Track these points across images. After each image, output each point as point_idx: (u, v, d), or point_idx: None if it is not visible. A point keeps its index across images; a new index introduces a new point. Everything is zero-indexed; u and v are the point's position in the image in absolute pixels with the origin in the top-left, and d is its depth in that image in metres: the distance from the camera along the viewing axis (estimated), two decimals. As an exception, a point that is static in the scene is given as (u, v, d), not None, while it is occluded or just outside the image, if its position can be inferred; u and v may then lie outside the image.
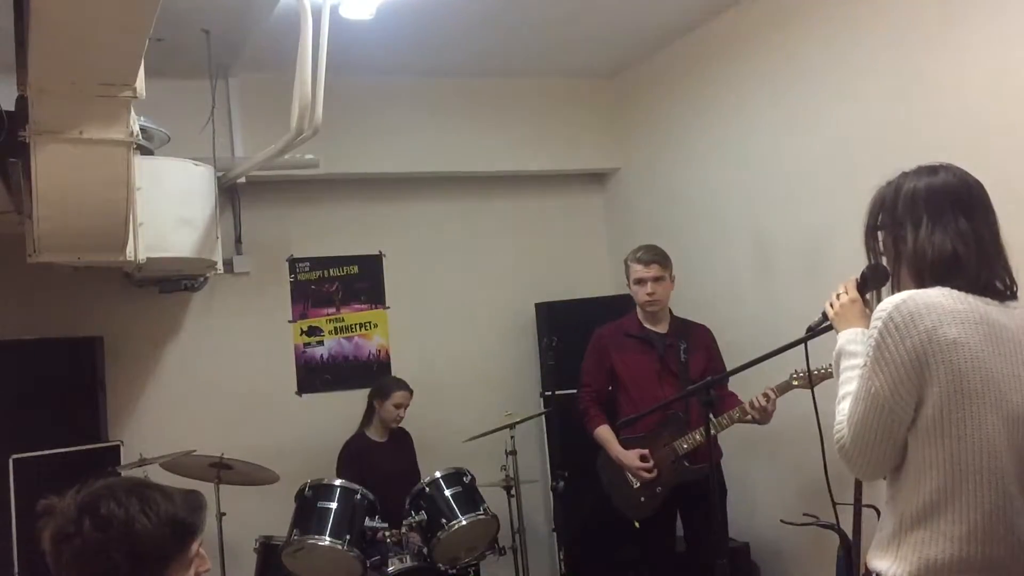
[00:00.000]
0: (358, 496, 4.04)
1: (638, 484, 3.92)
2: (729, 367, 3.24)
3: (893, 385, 1.78)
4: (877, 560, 1.88)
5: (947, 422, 1.77)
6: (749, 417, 3.72)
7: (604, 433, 4.03)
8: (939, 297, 1.81)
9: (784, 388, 3.68)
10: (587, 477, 4.22)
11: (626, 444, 3.96)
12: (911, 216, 1.90)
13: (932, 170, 1.94)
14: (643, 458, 3.88)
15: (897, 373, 1.78)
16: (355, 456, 4.66)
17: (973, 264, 1.85)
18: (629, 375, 4.06)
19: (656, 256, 4.05)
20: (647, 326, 4.11)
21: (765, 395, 3.67)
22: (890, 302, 1.82)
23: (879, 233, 2.00)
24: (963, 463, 1.77)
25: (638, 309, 4.15)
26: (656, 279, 4.03)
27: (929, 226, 1.87)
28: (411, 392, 4.77)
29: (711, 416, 3.57)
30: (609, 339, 4.15)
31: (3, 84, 3.06)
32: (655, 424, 3.90)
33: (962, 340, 1.77)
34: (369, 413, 4.80)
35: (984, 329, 1.80)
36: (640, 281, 4.02)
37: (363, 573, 3.92)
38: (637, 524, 3.97)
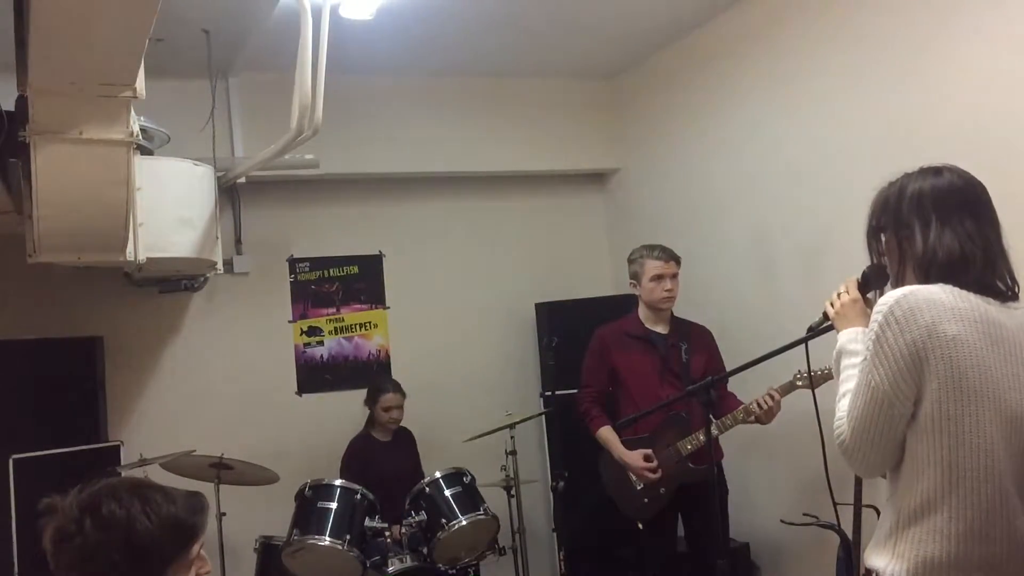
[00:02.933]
0: (358, 496, 4.04)
1: (641, 485, 3.91)
2: (729, 367, 3.24)
3: (892, 379, 1.79)
4: (875, 557, 1.88)
5: (945, 419, 1.78)
6: (752, 417, 3.73)
7: (607, 434, 4.02)
8: (940, 293, 1.81)
9: (788, 388, 3.69)
10: (587, 477, 4.22)
11: (629, 445, 3.95)
12: (919, 217, 1.90)
13: (936, 171, 1.94)
14: (647, 459, 3.88)
15: (896, 366, 1.78)
16: (358, 456, 4.67)
17: (979, 264, 1.85)
18: (631, 375, 4.05)
19: (673, 254, 4.08)
20: (648, 326, 4.10)
21: (770, 395, 3.68)
22: (891, 296, 1.82)
23: (882, 234, 2.00)
24: (960, 461, 1.78)
25: (640, 309, 4.14)
26: (674, 276, 4.05)
27: (938, 227, 1.87)
28: (401, 394, 4.76)
29: (713, 417, 3.60)
30: (610, 339, 4.13)
31: (3, 84, 3.06)
32: (658, 425, 3.90)
33: (962, 337, 1.78)
34: (371, 416, 4.82)
35: (983, 328, 1.80)
36: (659, 278, 4.01)
37: (363, 573, 3.92)
38: (640, 525, 3.96)
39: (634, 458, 3.89)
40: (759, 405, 3.69)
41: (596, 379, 4.14)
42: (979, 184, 1.94)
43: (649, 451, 3.89)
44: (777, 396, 3.68)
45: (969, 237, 1.86)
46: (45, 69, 2.61)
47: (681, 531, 4.13)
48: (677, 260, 4.08)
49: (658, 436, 3.91)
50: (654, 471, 3.85)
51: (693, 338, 4.09)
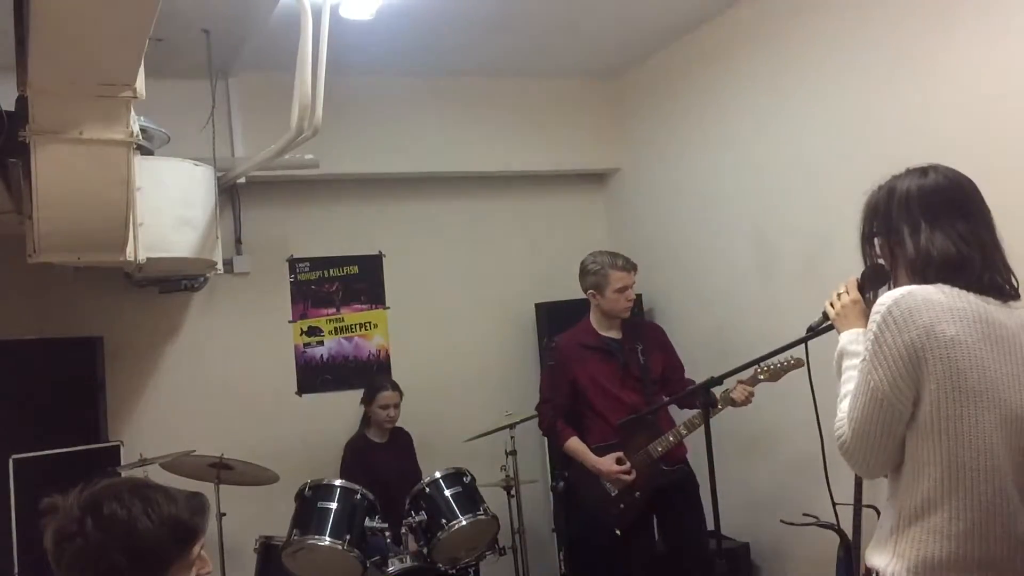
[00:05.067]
0: (358, 496, 4.04)
1: (616, 492, 3.90)
2: (729, 367, 3.25)
3: (892, 379, 1.79)
4: (875, 557, 1.88)
5: (944, 419, 1.78)
6: (729, 405, 3.79)
7: (575, 445, 3.99)
8: (937, 294, 1.81)
9: (753, 381, 3.76)
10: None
11: (599, 452, 3.94)
12: (907, 220, 1.90)
13: (922, 172, 1.94)
14: (619, 461, 3.87)
15: (895, 367, 1.78)
16: (358, 456, 4.67)
17: (977, 265, 1.85)
18: (593, 386, 4.01)
19: (634, 263, 4.06)
20: (603, 333, 4.07)
21: (741, 390, 3.76)
22: (889, 296, 1.82)
23: (876, 239, 2.00)
24: (960, 461, 1.78)
25: (593, 316, 4.11)
26: (633, 285, 4.04)
27: (928, 230, 1.87)
28: (398, 392, 4.78)
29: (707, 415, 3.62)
30: (568, 352, 4.07)
31: (3, 84, 3.06)
32: (623, 433, 3.87)
33: (960, 338, 1.78)
34: (365, 416, 4.83)
35: (982, 328, 1.80)
36: (623, 289, 3.99)
37: (363, 573, 3.91)
38: (619, 532, 3.94)
39: (607, 463, 3.87)
40: (732, 402, 3.75)
41: (557, 392, 4.07)
42: (967, 181, 1.93)
43: (620, 454, 3.88)
44: (750, 389, 3.75)
45: (962, 238, 1.85)
46: (45, 69, 2.61)
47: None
48: (636, 268, 4.07)
49: (627, 441, 3.89)
50: (628, 473, 3.85)
51: (647, 338, 4.09)
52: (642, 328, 4.19)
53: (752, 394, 3.78)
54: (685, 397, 3.68)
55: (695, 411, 3.74)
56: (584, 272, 4.07)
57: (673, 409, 4.21)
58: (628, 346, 4.04)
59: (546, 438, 5.23)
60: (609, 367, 4.01)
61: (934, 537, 1.79)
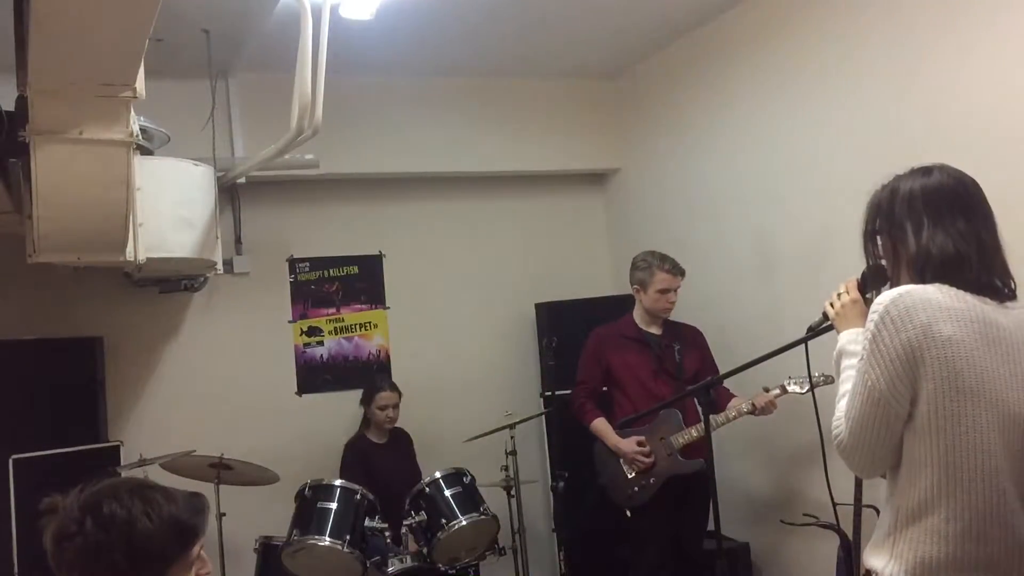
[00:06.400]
0: (358, 496, 4.04)
1: (632, 474, 4.02)
2: (729, 367, 3.28)
3: (889, 378, 1.79)
4: (873, 558, 1.88)
5: (941, 419, 1.78)
6: (743, 415, 3.90)
7: (600, 425, 4.16)
8: (935, 294, 1.81)
9: (782, 391, 3.84)
10: (587, 477, 4.24)
11: (623, 436, 4.08)
12: (911, 218, 1.90)
13: (926, 171, 1.94)
14: (640, 444, 4.01)
15: (892, 366, 1.78)
16: (358, 457, 4.67)
17: (975, 264, 1.85)
18: (627, 375, 4.17)
19: (681, 268, 4.20)
20: (643, 328, 4.23)
21: (767, 397, 3.84)
22: (887, 296, 1.82)
23: (878, 237, 2.00)
24: (957, 461, 1.78)
25: (636, 311, 4.27)
26: (677, 289, 4.19)
27: (930, 228, 1.87)
28: (397, 392, 4.80)
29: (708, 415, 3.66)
30: (606, 340, 4.27)
31: (3, 84, 3.06)
32: (651, 420, 4.03)
33: (957, 338, 1.78)
34: (365, 417, 4.83)
35: (979, 328, 1.80)
36: (666, 291, 4.14)
37: (363, 573, 3.92)
38: (629, 513, 4.07)
39: (628, 444, 4.04)
40: (753, 408, 3.86)
41: (591, 376, 4.28)
42: (971, 182, 1.93)
43: (642, 438, 4.02)
44: (773, 399, 3.83)
45: (962, 237, 1.85)
46: (45, 69, 2.61)
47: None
48: (683, 274, 4.21)
49: (651, 430, 4.04)
50: (647, 456, 3.97)
51: (685, 339, 4.24)
52: (681, 329, 4.32)
53: (774, 404, 3.85)
54: (686, 397, 3.73)
55: (723, 412, 3.92)
56: (633, 267, 4.26)
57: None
58: (666, 342, 4.19)
59: (547, 435, 5.26)
60: (644, 358, 4.17)
61: (931, 538, 1.79)
